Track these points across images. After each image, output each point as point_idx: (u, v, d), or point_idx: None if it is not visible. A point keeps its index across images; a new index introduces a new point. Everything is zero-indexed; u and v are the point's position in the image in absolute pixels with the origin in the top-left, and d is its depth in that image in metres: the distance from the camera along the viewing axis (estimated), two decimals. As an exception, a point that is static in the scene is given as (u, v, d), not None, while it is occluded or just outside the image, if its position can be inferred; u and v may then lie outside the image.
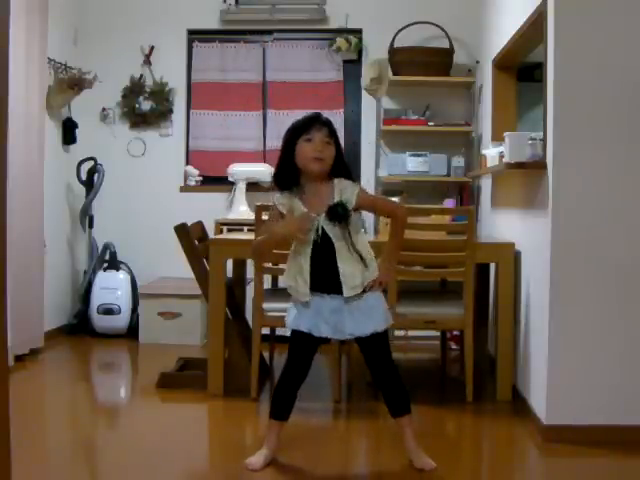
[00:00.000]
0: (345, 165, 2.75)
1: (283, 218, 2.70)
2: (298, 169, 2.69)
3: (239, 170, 5.48)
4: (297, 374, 2.84)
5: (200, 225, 4.27)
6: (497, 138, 4.31)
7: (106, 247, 5.55)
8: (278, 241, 2.76)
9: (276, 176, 2.76)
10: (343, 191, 2.68)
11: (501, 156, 3.94)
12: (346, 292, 2.68)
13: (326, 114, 2.78)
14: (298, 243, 2.68)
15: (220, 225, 5.23)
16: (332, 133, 2.70)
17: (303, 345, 2.81)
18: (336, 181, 2.70)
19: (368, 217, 5.46)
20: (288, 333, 2.86)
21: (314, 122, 2.67)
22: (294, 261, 2.74)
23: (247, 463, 2.83)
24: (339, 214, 2.64)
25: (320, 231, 2.66)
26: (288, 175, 2.71)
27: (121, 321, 5.38)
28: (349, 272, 2.68)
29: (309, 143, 2.65)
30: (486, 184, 5.04)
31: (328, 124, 2.70)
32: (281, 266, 3.87)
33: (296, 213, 2.68)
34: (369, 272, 2.72)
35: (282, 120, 5.71)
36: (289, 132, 2.73)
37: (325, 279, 2.69)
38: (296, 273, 2.73)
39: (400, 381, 2.87)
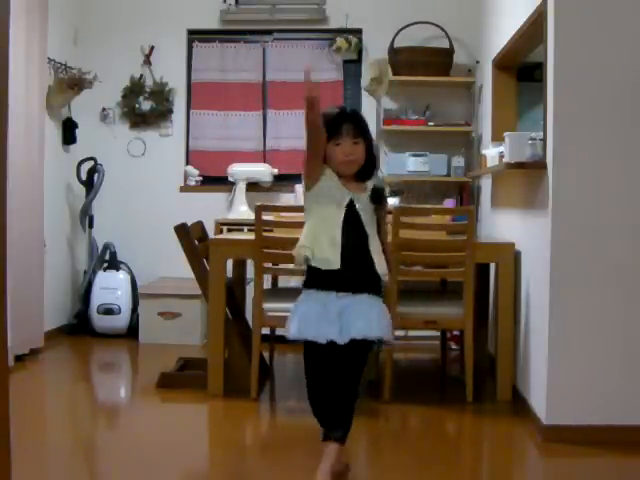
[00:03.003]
0: (373, 159, 2.68)
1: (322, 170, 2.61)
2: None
3: (239, 170, 5.47)
4: (316, 385, 2.64)
5: (200, 225, 4.27)
6: (497, 138, 4.31)
7: (106, 247, 5.55)
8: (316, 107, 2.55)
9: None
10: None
11: (501, 156, 3.94)
12: (379, 268, 2.59)
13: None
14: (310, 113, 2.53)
15: (220, 225, 5.23)
16: (360, 129, 2.62)
17: (313, 353, 2.64)
18: (368, 183, 2.66)
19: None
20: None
21: (341, 123, 2.60)
22: (322, 226, 2.61)
23: None
24: (380, 196, 2.62)
25: (353, 208, 2.60)
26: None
27: (121, 321, 5.38)
28: (377, 257, 2.60)
29: (338, 147, 2.59)
30: (486, 184, 5.04)
31: (356, 122, 2.63)
32: (281, 266, 3.88)
33: (334, 182, 2.60)
34: (380, 269, 2.63)
35: (282, 120, 5.71)
36: None
37: (348, 258, 2.57)
38: (324, 238, 2.58)
39: (353, 405, 2.64)
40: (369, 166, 2.67)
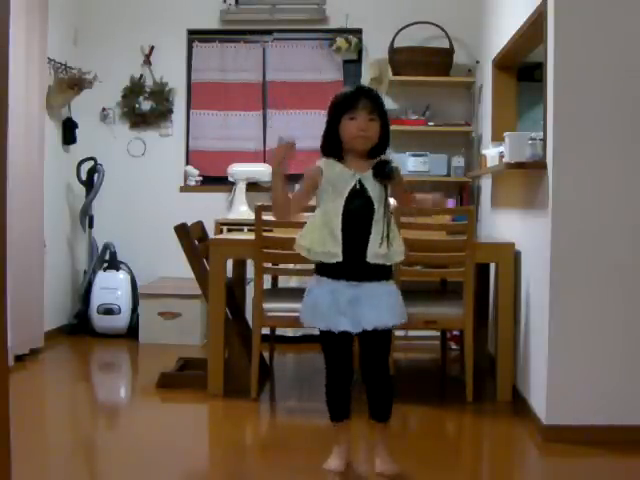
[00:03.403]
0: (387, 139, 2.66)
1: (320, 175, 2.60)
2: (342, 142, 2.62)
3: (239, 170, 5.48)
4: (338, 372, 2.72)
5: (200, 225, 4.27)
6: (497, 138, 4.31)
7: (106, 247, 5.55)
8: (277, 180, 2.63)
9: (323, 146, 2.67)
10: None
11: (501, 156, 3.94)
12: (369, 257, 2.56)
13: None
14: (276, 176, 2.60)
15: (220, 225, 5.23)
16: (377, 107, 2.61)
17: (332, 340, 2.68)
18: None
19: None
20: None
21: (358, 98, 2.58)
22: (322, 221, 2.60)
23: (327, 468, 2.74)
24: (385, 172, 2.57)
25: (358, 186, 2.58)
26: (333, 146, 2.63)
27: (121, 321, 5.38)
28: (377, 239, 2.56)
29: (353, 122, 2.57)
30: (486, 184, 5.04)
31: (372, 98, 2.61)
32: (281, 266, 3.88)
33: (337, 169, 2.60)
34: (392, 251, 2.61)
35: (282, 120, 5.71)
36: (333, 106, 2.64)
37: (351, 248, 2.56)
38: (325, 233, 2.57)
39: (391, 386, 2.79)
40: (382, 146, 2.65)
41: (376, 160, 2.62)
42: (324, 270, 2.63)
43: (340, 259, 2.56)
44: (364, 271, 2.60)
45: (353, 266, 2.59)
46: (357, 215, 2.58)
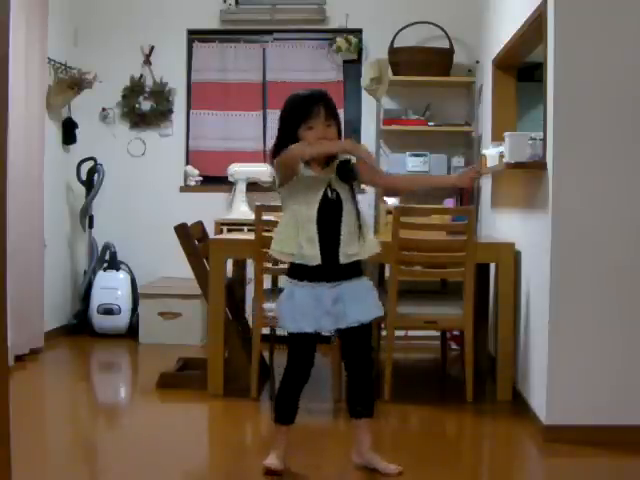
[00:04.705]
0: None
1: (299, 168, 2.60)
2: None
3: (239, 170, 5.47)
4: (301, 376, 2.74)
5: (200, 225, 4.27)
6: (497, 138, 4.31)
7: (106, 247, 5.55)
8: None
9: (276, 149, 2.65)
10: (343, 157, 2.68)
11: (501, 156, 3.94)
12: (341, 258, 2.62)
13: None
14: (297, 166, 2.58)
15: (220, 225, 5.23)
16: (331, 112, 2.64)
17: (305, 345, 2.71)
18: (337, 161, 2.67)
19: (369, 216, 5.47)
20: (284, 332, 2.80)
21: (313, 105, 2.60)
22: (296, 226, 2.62)
23: (268, 465, 2.70)
24: (348, 170, 2.63)
25: (330, 191, 2.62)
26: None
27: (121, 321, 5.38)
28: (348, 239, 2.63)
29: (311, 131, 2.59)
30: (486, 184, 5.04)
31: (327, 104, 2.63)
32: (281, 266, 3.88)
33: (308, 173, 2.61)
34: (365, 247, 2.67)
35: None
36: (289, 114, 2.64)
37: (325, 249, 2.60)
38: (302, 239, 2.60)
39: (372, 381, 2.83)
40: None
41: (336, 162, 2.65)
42: (302, 274, 2.65)
43: (319, 262, 2.60)
44: (340, 271, 2.65)
45: (330, 268, 2.63)
46: (329, 220, 2.62)
